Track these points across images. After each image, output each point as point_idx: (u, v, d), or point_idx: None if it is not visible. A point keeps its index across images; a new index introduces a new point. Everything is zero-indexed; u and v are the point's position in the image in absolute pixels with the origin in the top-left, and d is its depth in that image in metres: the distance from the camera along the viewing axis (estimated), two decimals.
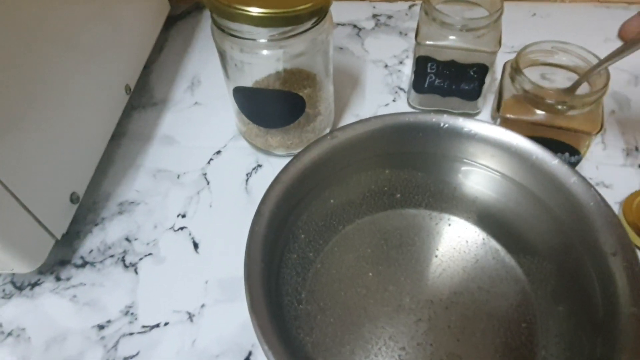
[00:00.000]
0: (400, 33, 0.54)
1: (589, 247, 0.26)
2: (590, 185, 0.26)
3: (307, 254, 0.31)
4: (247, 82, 0.38)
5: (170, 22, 0.55)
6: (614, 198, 0.39)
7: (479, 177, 0.32)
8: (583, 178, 0.27)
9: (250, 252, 0.25)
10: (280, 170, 0.28)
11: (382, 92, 0.48)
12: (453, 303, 0.30)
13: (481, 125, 0.30)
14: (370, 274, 0.32)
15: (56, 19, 0.33)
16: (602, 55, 0.35)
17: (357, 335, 0.29)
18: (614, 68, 0.34)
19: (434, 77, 0.42)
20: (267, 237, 0.26)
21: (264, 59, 0.35)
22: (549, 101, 0.33)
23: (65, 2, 0.35)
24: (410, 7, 0.57)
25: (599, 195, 0.26)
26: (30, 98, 0.31)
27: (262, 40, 0.33)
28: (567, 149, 0.35)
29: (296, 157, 0.29)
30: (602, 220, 0.25)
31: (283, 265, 0.29)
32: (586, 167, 0.41)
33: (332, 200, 0.33)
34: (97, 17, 0.39)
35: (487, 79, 0.42)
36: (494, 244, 0.32)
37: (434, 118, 0.30)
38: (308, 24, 0.33)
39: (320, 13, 0.33)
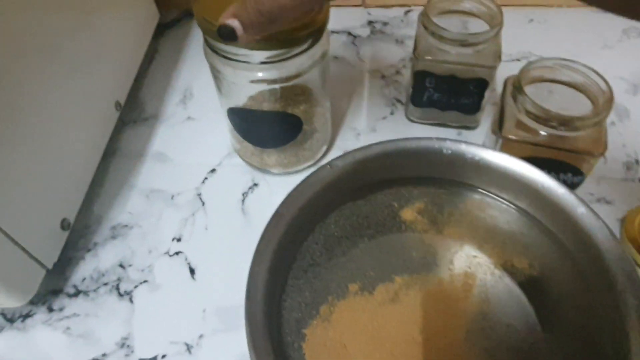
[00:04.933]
0: (397, 41, 0.53)
1: (598, 282, 0.25)
2: (598, 217, 0.26)
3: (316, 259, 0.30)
4: (241, 97, 0.37)
5: (160, 31, 0.53)
6: (615, 214, 0.38)
7: (486, 205, 0.31)
8: (591, 209, 0.26)
9: (250, 294, 0.24)
10: (279, 205, 0.27)
11: (379, 104, 0.47)
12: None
13: (486, 152, 0.29)
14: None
15: (37, 31, 0.32)
16: (602, 68, 0.34)
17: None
18: (610, 77, 0.33)
19: (432, 92, 0.41)
20: (268, 277, 0.25)
21: (258, 80, 0.34)
22: (551, 123, 0.32)
23: (47, 13, 0.33)
24: (405, 13, 0.56)
25: (608, 228, 0.25)
26: (13, 117, 0.30)
27: (257, 63, 0.32)
28: (570, 170, 0.35)
29: (295, 188, 0.28)
30: (610, 254, 0.25)
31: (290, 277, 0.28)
32: (587, 182, 0.40)
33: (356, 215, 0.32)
34: (82, 28, 0.37)
35: (487, 93, 0.41)
36: (504, 277, 0.31)
37: (436, 144, 0.29)
38: (305, 45, 0.32)
39: (317, 34, 0.32)
